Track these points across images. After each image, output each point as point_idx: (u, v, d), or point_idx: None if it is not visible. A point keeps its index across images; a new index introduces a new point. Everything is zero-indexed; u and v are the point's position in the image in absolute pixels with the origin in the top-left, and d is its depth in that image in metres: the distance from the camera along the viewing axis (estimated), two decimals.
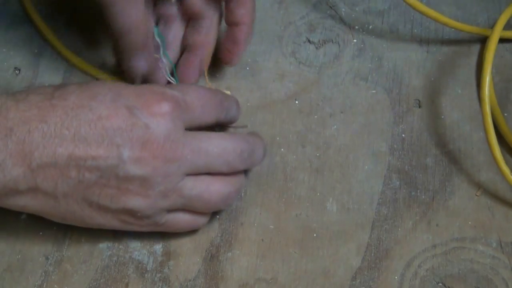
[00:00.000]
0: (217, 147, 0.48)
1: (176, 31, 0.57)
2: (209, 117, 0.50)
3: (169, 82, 0.55)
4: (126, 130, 0.46)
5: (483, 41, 0.61)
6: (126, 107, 0.46)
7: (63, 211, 0.47)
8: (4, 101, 0.45)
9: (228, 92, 0.56)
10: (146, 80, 0.55)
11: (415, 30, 0.62)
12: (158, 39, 0.54)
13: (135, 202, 0.47)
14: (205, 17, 0.56)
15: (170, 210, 0.49)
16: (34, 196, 0.46)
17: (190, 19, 0.57)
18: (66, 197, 0.46)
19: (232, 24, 0.56)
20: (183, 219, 0.50)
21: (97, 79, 0.58)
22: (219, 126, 0.53)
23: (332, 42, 0.61)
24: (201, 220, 0.50)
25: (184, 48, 0.58)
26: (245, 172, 0.52)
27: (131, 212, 0.47)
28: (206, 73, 0.57)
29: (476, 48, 0.61)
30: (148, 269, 0.50)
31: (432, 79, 0.59)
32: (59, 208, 0.47)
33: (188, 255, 0.51)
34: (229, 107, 0.52)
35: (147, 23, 0.53)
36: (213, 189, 0.49)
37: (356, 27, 0.62)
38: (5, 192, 0.45)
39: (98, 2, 0.52)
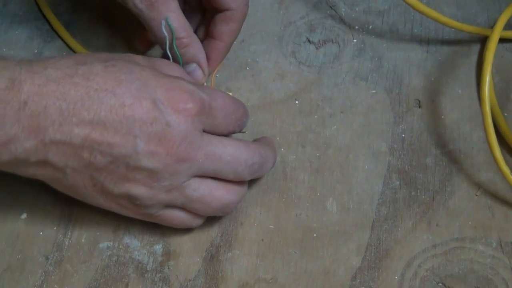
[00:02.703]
0: (230, 156, 0.48)
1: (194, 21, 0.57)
2: (226, 128, 0.50)
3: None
4: (147, 123, 0.45)
5: (483, 41, 0.61)
6: (151, 99, 0.46)
7: (68, 184, 0.48)
8: (19, 72, 0.44)
9: (230, 93, 0.56)
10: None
11: (415, 30, 0.62)
12: (165, 32, 0.53)
13: (138, 190, 0.47)
14: (233, 9, 0.55)
15: (169, 206, 0.49)
16: (43, 167, 0.46)
17: (216, 10, 0.56)
18: (74, 173, 0.47)
19: (211, 37, 0.56)
20: (178, 216, 0.50)
21: None
22: None
23: (332, 42, 0.61)
24: (195, 221, 0.50)
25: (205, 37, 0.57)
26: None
27: (131, 199, 0.48)
28: (214, 73, 0.57)
29: (476, 48, 0.61)
30: (148, 269, 0.50)
31: (432, 79, 0.59)
32: (64, 181, 0.47)
33: (188, 255, 0.51)
34: (245, 122, 0.52)
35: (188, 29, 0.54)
36: (216, 194, 0.49)
37: (356, 27, 0.62)
38: (16, 162, 0.45)
39: (133, 12, 0.52)
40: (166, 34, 0.52)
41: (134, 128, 0.45)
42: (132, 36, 0.60)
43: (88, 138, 0.45)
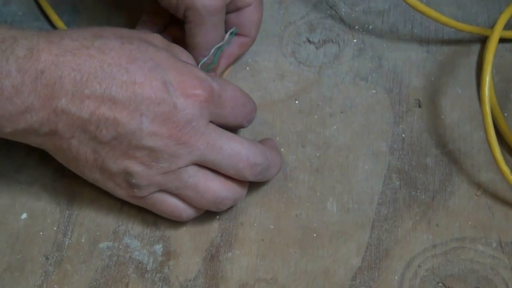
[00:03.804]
0: (232, 150, 0.48)
1: None
2: (234, 121, 0.50)
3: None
4: (154, 102, 0.46)
5: (483, 41, 0.61)
6: (162, 80, 0.46)
7: (70, 157, 0.48)
8: (37, 41, 0.45)
9: None
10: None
11: (415, 30, 0.62)
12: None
13: (136, 167, 0.47)
14: (250, 4, 0.57)
15: (162, 190, 0.49)
16: (51, 137, 0.47)
17: (238, 8, 0.57)
18: (78, 145, 0.47)
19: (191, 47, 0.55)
20: (169, 202, 0.50)
21: None
22: None
23: (332, 42, 0.61)
24: (186, 212, 0.50)
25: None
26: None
27: (127, 176, 0.48)
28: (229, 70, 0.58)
29: (476, 48, 0.61)
30: (148, 269, 0.50)
31: (432, 79, 0.59)
32: (67, 153, 0.48)
33: (188, 255, 0.51)
34: (253, 117, 0.52)
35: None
36: (211, 185, 0.49)
37: (356, 27, 0.62)
38: (29, 131, 0.46)
39: (185, 18, 0.53)
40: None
41: (142, 106, 0.46)
42: None
43: (96, 111, 0.46)
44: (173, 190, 0.49)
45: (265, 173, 0.50)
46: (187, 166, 0.48)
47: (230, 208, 0.52)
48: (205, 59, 0.54)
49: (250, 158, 0.49)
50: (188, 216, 0.51)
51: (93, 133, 0.46)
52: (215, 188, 0.49)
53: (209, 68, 0.55)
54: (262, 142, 0.53)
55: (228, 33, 0.56)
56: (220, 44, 0.54)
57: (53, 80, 0.45)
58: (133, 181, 0.48)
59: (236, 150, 0.48)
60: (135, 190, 0.49)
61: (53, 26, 0.61)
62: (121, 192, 0.50)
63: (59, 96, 0.45)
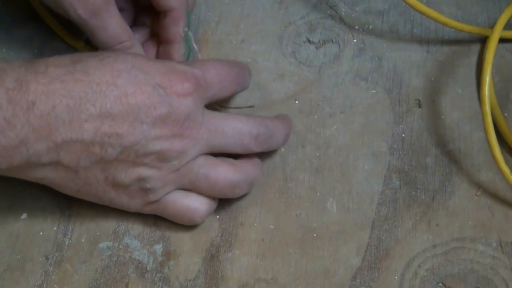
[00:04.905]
0: (233, 129, 0.49)
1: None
2: (227, 92, 0.51)
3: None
4: (150, 107, 0.46)
5: (483, 41, 0.61)
6: (150, 85, 0.47)
7: (80, 184, 0.48)
8: (24, 72, 0.45)
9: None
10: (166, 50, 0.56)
11: (415, 30, 0.62)
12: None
13: (148, 172, 0.48)
14: (175, 8, 0.56)
15: (177, 189, 0.50)
16: (55, 168, 0.47)
17: (160, 13, 0.57)
18: (86, 170, 0.47)
19: (166, 41, 0.56)
20: (180, 205, 0.50)
21: None
22: (223, 108, 0.55)
23: (332, 42, 0.61)
24: (198, 212, 0.50)
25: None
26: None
27: (141, 183, 0.48)
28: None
29: (476, 48, 0.61)
30: (148, 269, 0.50)
31: (432, 79, 0.59)
32: (77, 180, 0.48)
33: (188, 255, 0.51)
34: (244, 78, 0.53)
35: (127, 29, 0.55)
36: (221, 171, 0.50)
37: (356, 27, 0.62)
38: (27, 165, 0.46)
39: (76, 22, 0.53)
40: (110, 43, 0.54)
41: (140, 114, 0.46)
42: None
43: (98, 132, 0.46)
44: (188, 185, 0.50)
45: (270, 141, 0.52)
46: (195, 158, 0.49)
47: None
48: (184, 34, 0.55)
49: (252, 131, 0.50)
50: (201, 216, 0.51)
51: (99, 154, 0.46)
52: (226, 173, 0.50)
53: (189, 55, 0.55)
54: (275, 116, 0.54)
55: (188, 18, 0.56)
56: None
57: (46, 110, 0.44)
58: (147, 185, 0.48)
59: (237, 128, 0.50)
60: (150, 195, 0.49)
61: (52, 27, 0.61)
62: (135, 203, 0.50)
63: (56, 126, 0.45)
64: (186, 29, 0.56)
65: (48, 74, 0.45)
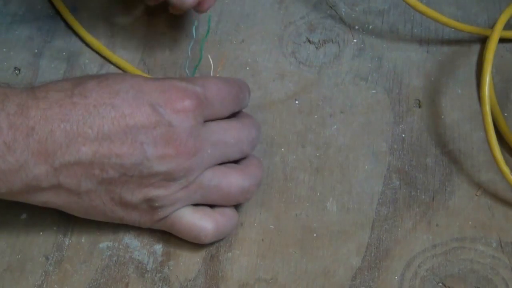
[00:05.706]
0: (234, 139, 0.49)
1: None
2: (226, 111, 0.51)
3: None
4: (150, 127, 0.46)
5: (483, 41, 0.61)
6: (149, 104, 0.46)
7: (85, 206, 0.48)
8: (25, 99, 0.45)
9: None
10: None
11: (415, 30, 0.62)
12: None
13: (156, 192, 0.47)
14: None
15: (187, 204, 0.49)
16: (56, 192, 0.47)
17: None
18: (89, 193, 0.47)
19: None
20: (185, 221, 0.49)
21: None
22: None
23: (332, 42, 0.61)
24: (204, 231, 0.49)
25: None
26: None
27: (150, 202, 0.48)
28: (217, 71, 0.57)
29: (476, 48, 0.61)
30: (148, 269, 0.50)
31: (432, 79, 0.59)
32: (81, 203, 0.48)
33: (188, 255, 0.51)
34: (243, 98, 0.52)
35: None
36: (231, 179, 0.49)
37: (356, 27, 0.62)
38: (27, 189, 0.46)
39: None
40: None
41: (139, 135, 0.46)
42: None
43: (96, 154, 0.45)
44: (200, 199, 0.49)
45: (258, 140, 0.52)
46: (203, 172, 0.48)
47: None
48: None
49: (248, 137, 0.50)
50: (206, 235, 0.50)
51: (100, 176, 0.46)
52: (237, 180, 0.50)
53: (197, 67, 0.55)
54: (239, 115, 0.53)
55: (193, 27, 0.55)
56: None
57: (44, 135, 0.44)
58: (156, 204, 0.48)
59: (237, 137, 0.50)
60: (159, 212, 0.49)
61: (54, 26, 0.61)
62: (145, 220, 0.50)
63: (54, 150, 0.45)
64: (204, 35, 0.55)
65: (48, 99, 0.45)
